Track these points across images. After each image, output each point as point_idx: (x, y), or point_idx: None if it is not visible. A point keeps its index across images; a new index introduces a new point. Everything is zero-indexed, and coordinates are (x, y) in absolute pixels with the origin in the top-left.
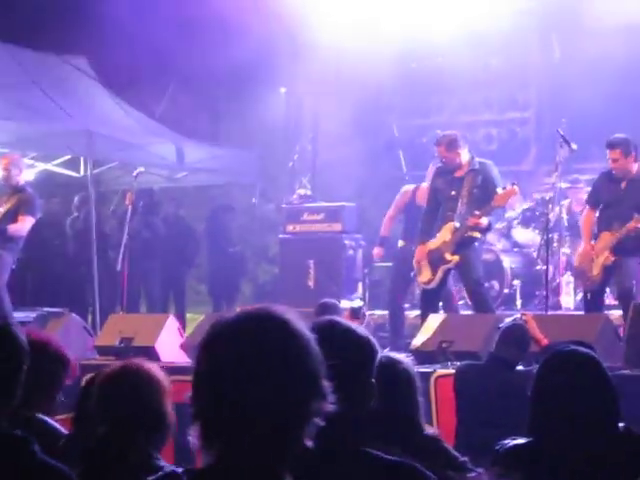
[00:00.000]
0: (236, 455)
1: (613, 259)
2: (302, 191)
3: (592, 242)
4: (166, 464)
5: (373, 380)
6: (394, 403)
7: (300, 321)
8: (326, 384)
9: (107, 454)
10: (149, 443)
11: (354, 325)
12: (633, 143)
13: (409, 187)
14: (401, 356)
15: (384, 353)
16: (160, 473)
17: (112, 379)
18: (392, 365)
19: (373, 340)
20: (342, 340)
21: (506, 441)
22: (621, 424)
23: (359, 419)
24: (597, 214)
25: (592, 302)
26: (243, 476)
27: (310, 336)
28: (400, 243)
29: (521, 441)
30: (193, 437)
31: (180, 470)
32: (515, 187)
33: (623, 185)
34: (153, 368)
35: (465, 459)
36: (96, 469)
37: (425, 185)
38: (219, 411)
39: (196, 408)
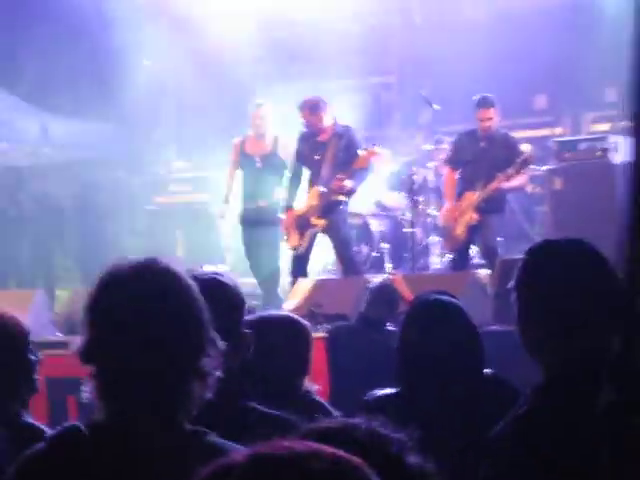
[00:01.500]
0: (136, 404)
1: (477, 218)
2: (179, 164)
3: (455, 202)
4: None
5: (248, 331)
6: (273, 358)
7: (183, 270)
8: (214, 333)
9: None
10: (14, 395)
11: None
12: None
13: (237, 139)
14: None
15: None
16: (60, 426)
17: None
18: (276, 320)
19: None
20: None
21: (375, 391)
22: (487, 370)
23: (236, 371)
24: (458, 174)
25: (458, 261)
26: (141, 428)
27: (193, 285)
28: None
29: (389, 391)
30: (88, 392)
31: (79, 424)
32: (376, 148)
33: (483, 144)
34: (14, 317)
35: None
36: None
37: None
38: (111, 360)
39: (87, 356)
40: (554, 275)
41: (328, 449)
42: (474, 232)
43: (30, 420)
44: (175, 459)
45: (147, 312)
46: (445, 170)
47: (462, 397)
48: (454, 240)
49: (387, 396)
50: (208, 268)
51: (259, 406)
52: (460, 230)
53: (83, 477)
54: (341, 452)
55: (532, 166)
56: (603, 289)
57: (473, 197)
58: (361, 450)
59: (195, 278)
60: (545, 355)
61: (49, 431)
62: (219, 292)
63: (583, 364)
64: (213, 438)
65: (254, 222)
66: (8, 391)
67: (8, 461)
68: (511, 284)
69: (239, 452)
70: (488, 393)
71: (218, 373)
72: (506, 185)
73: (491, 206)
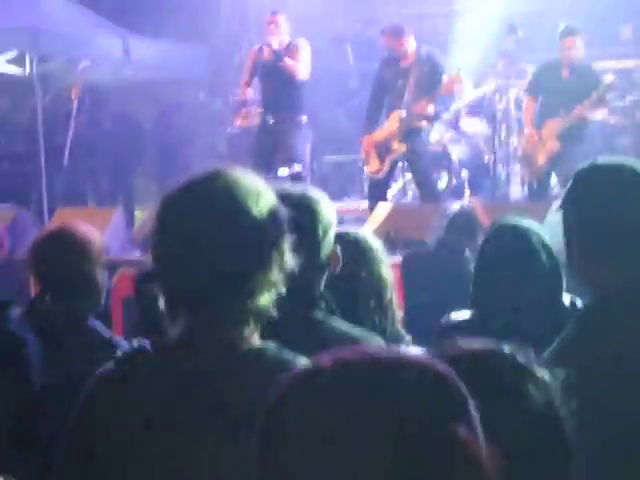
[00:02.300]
0: (201, 323)
1: (558, 146)
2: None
3: (535, 129)
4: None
5: (337, 247)
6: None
7: (260, 180)
8: (288, 243)
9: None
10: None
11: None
12: None
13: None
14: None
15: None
16: (127, 348)
17: (45, 240)
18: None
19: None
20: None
21: (450, 315)
22: (567, 296)
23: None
24: (538, 102)
25: (538, 190)
26: (209, 343)
27: (270, 192)
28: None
29: (465, 315)
30: (161, 307)
31: (147, 342)
32: (460, 74)
33: (565, 73)
34: (88, 232)
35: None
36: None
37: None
38: (181, 275)
39: (157, 275)
40: (602, 197)
41: (414, 357)
42: (555, 161)
43: (97, 326)
44: (241, 376)
45: (214, 230)
46: (525, 98)
47: (539, 324)
48: (535, 168)
49: (461, 320)
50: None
51: (337, 322)
52: (541, 159)
53: (151, 397)
54: (429, 360)
55: (615, 97)
56: None
57: (555, 125)
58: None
59: (282, 197)
60: (594, 280)
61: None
62: (307, 215)
63: (634, 284)
64: (284, 354)
65: None
66: (76, 300)
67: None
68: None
69: (324, 358)
70: (567, 320)
71: (283, 290)
72: (588, 115)
73: (573, 134)
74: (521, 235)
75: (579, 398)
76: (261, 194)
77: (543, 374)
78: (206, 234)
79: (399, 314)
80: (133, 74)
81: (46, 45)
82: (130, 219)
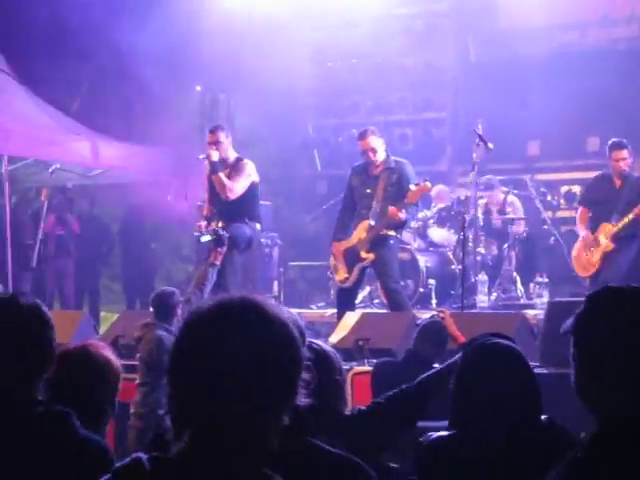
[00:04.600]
0: (207, 441)
1: (613, 246)
2: None
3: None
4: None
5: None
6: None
7: (282, 310)
8: (304, 375)
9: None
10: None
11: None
12: None
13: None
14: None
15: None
16: (124, 460)
17: (69, 357)
18: (321, 352)
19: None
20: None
21: (430, 433)
22: (543, 416)
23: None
24: (590, 213)
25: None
26: (211, 462)
27: (293, 325)
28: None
29: (444, 433)
30: (167, 422)
31: (145, 456)
32: (428, 183)
33: (618, 184)
34: (110, 355)
35: None
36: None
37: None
38: (195, 394)
39: (173, 390)
40: (617, 326)
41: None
42: (609, 260)
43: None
44: None
45: (238, 363)
46: (579, 209)
47: (520, 443)
48: (589, 267)
49: (443, 439)
50: None
51: (323, 445)
52: (596, 257)
53: None
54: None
55: None
56: None
57: (609, 228)
58: None
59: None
60: (602, 405)
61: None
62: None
63: None
64: None
65: None
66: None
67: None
68: (566, 327)
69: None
70: (543, 440)
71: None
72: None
73: (625, 236)
74: (500, 356)
75: None
76: (291, 336)
77: None
78: (230, 366)
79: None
80: (101, 176)
81: (16, 146)
82: (96, 322)
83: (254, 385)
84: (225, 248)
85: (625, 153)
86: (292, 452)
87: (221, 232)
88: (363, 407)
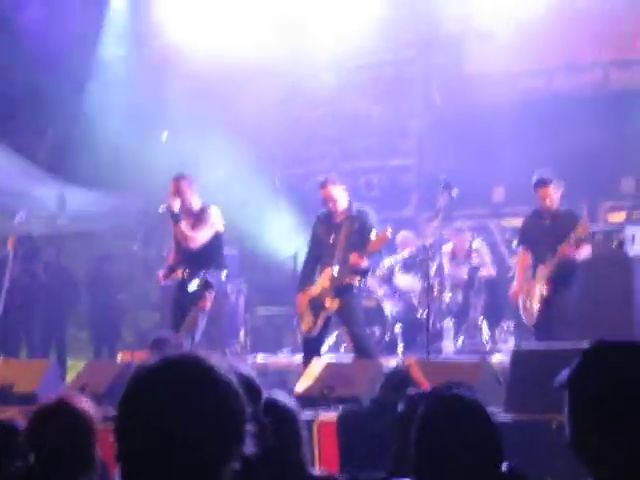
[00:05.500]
0: None
1: (548, 289)
2: None
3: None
4: None
5: (266, 421)
6: (282, 443)
7: (223, 367)
8: (248, 428)
9: None
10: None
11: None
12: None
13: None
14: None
15: (269, 394)
16: None
17: (44, 412)
18: (278, 405)
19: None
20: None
21: None
22: (504, 464)
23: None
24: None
25: (538, 336)
26: None
27: (234, 381)
28: None
29: None
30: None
31: None
32: (388, 233)
33: (547, 221)
34: (86, 407)
35: None
36: None
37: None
38: (140, 454)
39: (120, 450)
40: (614, 383)
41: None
42: (549, 304)
43: None
44: None
45: (180, 421)
46: (520, 251)
47: None
48: (530, 316)
49: None
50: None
51: None
52: (535, 304)
53: None
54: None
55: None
56: None
57: (544, 270)
58: None
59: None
60: (599, 463)
61: None
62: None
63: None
64: None
65: None
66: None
67: None
68: (560, 381)
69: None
70: None
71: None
72: (573, 255)
73: (561, 277)
74: (460, 407)
75: None
76: (229, 385)
77: None
78: (178, 420)
79: None
80: (68, 224)
81: None
82: (62, 370)
83: (196, 437)
84: (214, 293)
85: (550, 190)
86: None
87: (208, 278)
88: (338, 477)
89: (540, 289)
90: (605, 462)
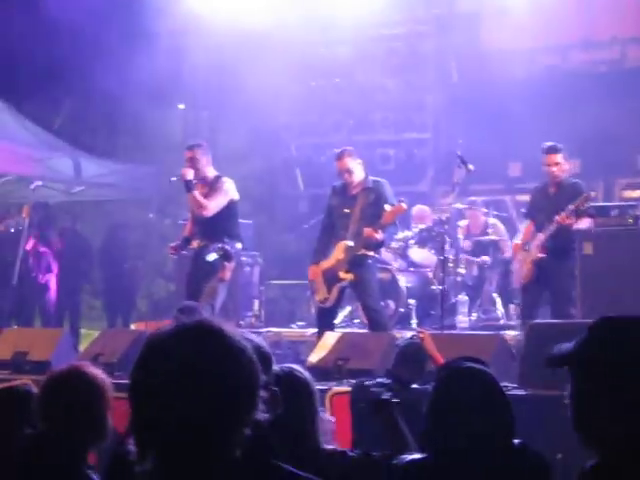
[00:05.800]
0: (171, 458)
1: (541, 256)
2: None
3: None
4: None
5: (276, 389)
6: (295, 415)
7: (236, 334)
8: (261, 394)
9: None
10: (84, 446)
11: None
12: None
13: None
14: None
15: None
16: None
17: (57, 380)
18: (292, 375)
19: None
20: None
21: (403, 456)
22: (516, 440)
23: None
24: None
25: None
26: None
27: (248, 347)
28: None
29: (417, 456)
30: (132, 445)
31: None
32: (403, 205)
33: (552, 190)
34: (98, 375)
35: None
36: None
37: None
38: (155, 421)
39: (134, 417)
40: (621, 358)
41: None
42: (542, 270)
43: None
44: None
45: (194, 385)
46: (525, 222)
47: (493, 468)
48: (523, 277)
49: (415, 462)
50: None
51: (286, 466)
52: (528, 267)
53: None
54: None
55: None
56: None
57: (540, 238)
58: None
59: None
60: (603, 437)
61: None
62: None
63: None
64: None
65: None
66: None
67: None
68: (560, 355)
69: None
70: (517, 464)
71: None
72: (571, 224)
73: (557, 246)
74: (473, 380)
75: None
76: (243, 351)
77: None
78: (191, 385)
79: None
80: (84, 193)
81: None
82: (76, 339)
83: (211, 399)
84: (233, 263)
85: (558, 157)
86: (256, 471)
87: (227, 247)
88: (349, 452)
89: (533, 255)
90: (608, 440)
